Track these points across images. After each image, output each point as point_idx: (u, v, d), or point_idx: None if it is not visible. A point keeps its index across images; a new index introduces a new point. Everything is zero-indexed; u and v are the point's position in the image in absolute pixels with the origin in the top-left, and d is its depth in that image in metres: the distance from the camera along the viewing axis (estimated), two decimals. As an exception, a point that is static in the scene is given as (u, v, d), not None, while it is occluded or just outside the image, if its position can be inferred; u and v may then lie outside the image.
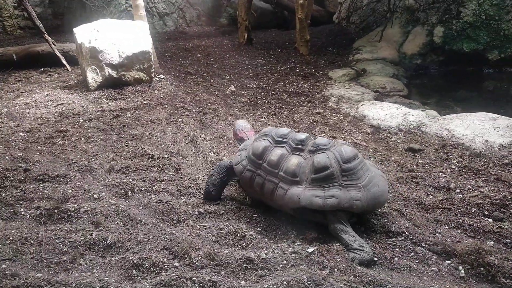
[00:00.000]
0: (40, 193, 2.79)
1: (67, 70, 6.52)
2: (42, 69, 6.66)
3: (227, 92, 5.32)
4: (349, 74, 6.38)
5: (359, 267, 1.96)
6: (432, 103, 5.58)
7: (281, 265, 2.02)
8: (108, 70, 5.06)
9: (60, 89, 5.39)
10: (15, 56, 6.65)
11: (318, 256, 2.05)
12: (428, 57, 7.67)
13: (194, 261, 2.06)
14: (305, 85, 5.66)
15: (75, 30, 5.32)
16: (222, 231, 2.35)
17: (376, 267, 2.03)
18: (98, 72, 5.05)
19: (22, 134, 3.92)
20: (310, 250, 2.08)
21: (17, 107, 4.76)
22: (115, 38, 5.08)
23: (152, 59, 5.27)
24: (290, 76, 6.15)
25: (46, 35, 6.48)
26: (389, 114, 3.88)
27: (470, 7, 7.37)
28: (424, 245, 2.14)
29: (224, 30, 10.66)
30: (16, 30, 11.48)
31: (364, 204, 2.17)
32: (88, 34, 5.11)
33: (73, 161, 3.28)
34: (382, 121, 3.83)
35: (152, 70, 5.30)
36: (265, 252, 2.11)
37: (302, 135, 2.44)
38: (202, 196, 2.74)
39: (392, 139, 3.58)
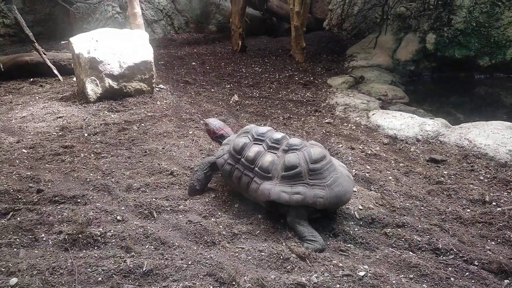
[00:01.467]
0: (59, 216, 2.63)
1: (59, 80, 6.29)
2: (31, 79, 6.40)
3: (231, 102, 5.23)
4: (348, 81, 6.38)
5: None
6: (434, 110, 5.63)
7: (334, 289, 1.94)
8: (108, 81, 4.88)
9: (56, 101, 5.17)
10: (1, 66, 6.37)
11: (371, 279, 1.98)
12: (421, 64, 7.78)
13: (244, 288, 1.96)
14: (308, 94, 5.62)
15: (71, 39, 5.13)
16: (263, 254, 2.25)
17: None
18: (98, 83, 4.87)
19: (25, 151, 3.72)
20: (361, 273, 2.01)
21: (13, 121, 4.53)
22: (115, 48, 4.92)
23: (154, 69, 5.12)
24: (290, 85, 6.10)
25: (36, 44, 6.25)
26: (405, 124, 3.86)
27: (460, 15, 7.52)
28: (477, 264, 2.11)
29: (213, 37, 10.55)
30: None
31: (326, 202, 2.37)
32: (86, 44, 4.93)
33: (87, 179, 3.12)
34: (398, 131, 3.81)
35: (153, 81, 5.16)
36: (315, 275, 2.03)
37: (278, 135, 2.63)
38: (232, 216, 2.64)
39: (411, 150, 3.56)
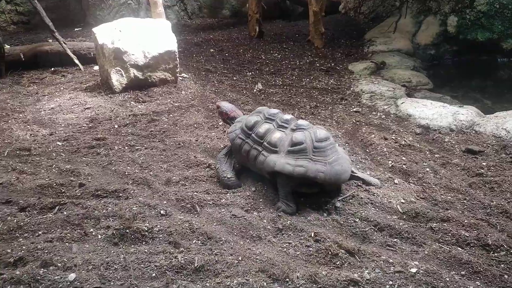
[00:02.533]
0: (105, 211, 2.68)
1: (80, 69, 6.30)
2: (52, 68, 6.41)
3: (255, 90, 5.21)
4: (370, 67, 6.30)
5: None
6: (459, 96, 5.56)
7: (387, 286, 1.97)
8: (133, 71, 4.88)
9: (81, 91, 5.20)
10: (22, 56, 6.38)
11: (424, 275, 2.00)
12: (441, 47, 7.64)
13: (298, 285, 1.99)
14: (331, 81, 5.58)
15: (94, 30, 5.12)
16: (311, 249, 2.28)
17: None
18: (123, 73, 4.88)
19: (60, 144, 3.76)
20: (413, 270, 2.03)
21: (42, 112, 4.58)
22: (139, 38, 4.90)
23: (177, 59, 5.11)
24: (312, 71, 6.05)
25: (56, 33, 6.24)
26: (437, 113, 3.83)
27: (483, -4, 7.34)
28: (530, 260, 2.12)
29: (227, 22, 10.44)
30: (10, 25, 11.05)
31: (326, 177, 2.59)
32: (110, 34, 4.91)
33: (126, 173, 3.16)
34: (430, 121, 3.79)
35: (177, 70, 5.15)
36: (366, 272, 2.06)
37: (287, 116, 2.91)
38: (274, 209, 2.67)
39: (445, 140, 3.54)
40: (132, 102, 4.71)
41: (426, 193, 2.77)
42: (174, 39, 5.09)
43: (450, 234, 2.33)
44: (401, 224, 2.45)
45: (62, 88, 5.46)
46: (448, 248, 2.21)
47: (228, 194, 2.84)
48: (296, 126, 2.79)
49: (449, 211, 2.57)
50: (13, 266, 2.25)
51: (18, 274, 2.11)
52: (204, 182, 3.01)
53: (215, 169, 3.09)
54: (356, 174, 2.90)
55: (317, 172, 2.58)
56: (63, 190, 2.95)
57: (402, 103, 4.26)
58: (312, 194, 2.74)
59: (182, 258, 2.21)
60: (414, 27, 7.92)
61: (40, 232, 2.55)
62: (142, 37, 4.90)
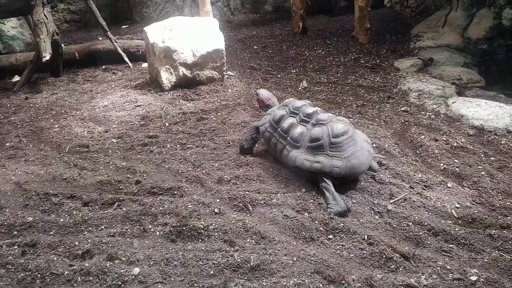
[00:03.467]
0: (161, 208, 2.80)
1: (129, 67, 6.54)
2: (103, 66, 6.71)
3: (300, 88, 5.22)
4: (417, 64, 6.14)
5: None
6: (514, 94, 5.31)
7: (446, 293, 1.96)
8: (182, 70, 5.02)
9: (132, 89, 5.40)
10: (77, 55, 6.71)
11: (485, 284, 1.97)
12: (495, 41, 7.30)
13: (354, 288, 2.02)
14: (377, 79, 5.49)
15: (146, 29, 5.30)
16: (364, 252, 2.29)
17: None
18: (172, 72, 5.03)
19: (115, 141, 3.95)
20: (473, 278, 2.01)
21: (96, 110, 4.80)
22: (188, 36, 5.03)
23: (225, 57, 5.20)
24: (357, 68, 5.97)
25: (109, 33, 6.50)
26: (493, 113, 3.69)
27: (542, -13, 6.93)
28: None
29: (269, 18, 10.45)
30: (63, 24, 11.56)
31: (342, 171, 2.74)
32: (161, 33, 5.07)
33: (179, 171, 3.28)
34: (485, 122, 3.66)
35: (224, 68, 5.25)
36: (423, 277, 2.05)
37: (310, 110, 3.00)
38: (325, 211, 2.69)
39: (502, 142, 3.42)
40: (181, 100, 4.85)
41: (482, 198, 2.70)
42: (222, 38, 5.18)
43: (511, 242, 2.27)
44: (456, 229, 2.41)
45: (113, 85, 5.70)
46: (509, 257, 2.16)
47: (279, 194, 2.88)
48: (316, 120, 2.92)
49: (509, 217, 2.49)
50: (81, 258, 2.41)
51: (87, 266, 2.27)
52: (254, 182, 3.07)
53: (243, 133, 3.50)
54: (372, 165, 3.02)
55: (333, 168, 2.75)
56: (121, 187, 3.11)
57: (453, 102, 4.13)
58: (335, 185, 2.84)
59: (238, 257, 2.29)
60: (466, 20, 7.61)
61: (102, 227, 2.71)
62: (191, 36, 5.02)
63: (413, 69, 5.97)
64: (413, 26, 8.05)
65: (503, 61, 7.22)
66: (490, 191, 2.79)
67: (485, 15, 7.44)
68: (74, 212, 2.87)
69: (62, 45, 6.36)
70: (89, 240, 2.54)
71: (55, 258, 2.40)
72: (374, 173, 3.02)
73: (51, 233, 2.70)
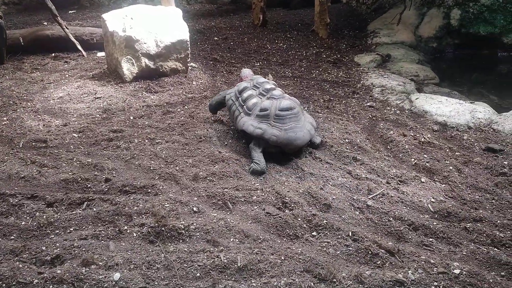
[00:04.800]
0: (136, 208, 2.66)
1: (83, 56, 6.16)
2: (53, 54, 6.26)
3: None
4: (376, 60, 6.32)
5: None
6: (465, 91, 5.63)
7: (433, 287, 2.01)
8: (145, 61, 4.80)
9: (89, 79, 5.09)
10: (22, 40, 6.20)
11: (468, 277, 2.05)
12: (444, 40, 7.68)
13: (346, 285, 2.02)
14: (340, 74, 5.58)
15: (104, 16, 4.99)
16: (350, 248, 2.31)
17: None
18: (134, 62, 4.79)
19: (76, 135, 3.69)
20: (456, 271, 2.08)
21: (51, 101, 4.47)
22: (151, 26, 4.81)
23: (189, 48, 5.03)
24: (320, 63, 6.03)
25: (58, 18, 6.08)
26: (454, 110, 3.87)
27: (487, -10, 7.38)
28: None
29: (227, 9, 10.30)
30: (0, 6, 10.68)
31: (278, 140, 3.11)
32: (121, 21, 4.80)
33: (151, 168, 3.13)
34: (448, 118, 3.83)
35: (188, 60, 5.08)
36: (410, 272, 2.10)
37: (268, 86, 3.40)
38: (306, 208, 2.68)
39: (464, 138, 3.59)
40: (144, 93, 4.64)
41: (454, 192, 2.82)
42: (186, 28, 5.01)
43: (485, 235, 2.38)
44: (435, 223, 2.50)
45: (67, 75, 5.34)
46: (485, 249, 2.27)
47: (258, 191, 2.83)
48: (270, 95, 3.30)
49: (480, 211, 2.62)
50: (51, 264, 2.23)
51: (59, 273, 2.09)
52: (232, 178, 3.00)
53: (216, 95, 3.92)
54: (315, 142, 3.37)
55: (271, 135, 3.10)
56: (89, 185, 2.91)
57: (417, 98, 4.29)
58: (272, 152, 3.23)
59: (224, 257, 2.21)
60: (417, 19, 7.94)
61: (71, 229, 2.53)
62: (154, 25, 4.81)
63: (373, 65, 6.13)
64: (369, 23, 8.27)
65: (451, 59, 7.64)
66: (459, 185, 2.92)
67: (435, 15, 7.81)
68: (37, 213, 2.65)
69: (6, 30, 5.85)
70: (58, 244, 2.35)
71: (21, 266, 2.20)
72: (314, 149, 3.36)
73: (12, 237, 2.47)
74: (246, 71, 4.02)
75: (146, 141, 3.55)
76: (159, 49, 4.78)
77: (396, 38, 7.44)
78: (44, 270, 2.16)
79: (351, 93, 4.85)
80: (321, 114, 4.17)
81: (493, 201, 2.74)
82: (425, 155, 3.34)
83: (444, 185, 2.94)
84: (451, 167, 3.15)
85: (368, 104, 4.49)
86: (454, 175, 3.03)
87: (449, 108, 3.93)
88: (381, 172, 3.08)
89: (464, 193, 2.83)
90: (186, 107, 4.27)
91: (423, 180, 2.97)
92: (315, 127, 3.34)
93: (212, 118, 3.97)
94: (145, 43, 4.73)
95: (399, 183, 2.95)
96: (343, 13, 9.00)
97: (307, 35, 7.52)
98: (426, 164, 3.20)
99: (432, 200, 2.72)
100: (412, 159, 3.29)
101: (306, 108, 4.31)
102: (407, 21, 7.84)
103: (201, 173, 3.04)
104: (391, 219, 2.54)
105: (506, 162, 3.16)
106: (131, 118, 4.03)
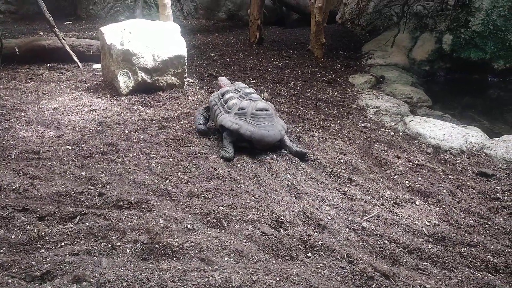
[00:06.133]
0: (129, 223, 2.62)
1: (78, 67, 6.16)
2: (48, 64, 6.25)
3: (262, 99, 5.20)
4: (370, 81, 6.41)
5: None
6: (457, 115, 5.72)
7: (428, 311, 2.01)
8: (141, 75, 4.80)
9: (84, 91, 5.07)
10: (17, 50, 6.19)
11: (463, 301, 2.05)
12: (436, 64, 7.85)
13: (341, 309, 2.00)
14: (335, 93, 5.64)
15: (102, 29, 5.01)
16: (346, 270, 2.29)
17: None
18: (131, 76, 4.79)
19: (70, 148, 3.66)
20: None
21: (45, 112, 4.44)
22: (149, 40, 4.83)
23: (186, 64, 5.05)
24: (315, 82, 6.10)
25: (56, 29, 6.09)
26: (448, 134, 3.92)
27: (478, 17, 7.58)
28: (558, 288, 2.20)
29: (223, 25, 10.42)
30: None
31: (251, 135, 3.47)
32: (119, 35, 4.82)
33: (145, 183, 3.10)
34: (441, 141, 3.88)
35: (185, 75, 5.10)
36: (405, 296, 2.09)
37: (248, 90, 3.83)
38: (302, 228, 2.67)
39: (457, 161, 3.63)
40: (140, 106, 4.63)
41: (448, 216, 2.84)
42: (184, 44, 5.04)
43: (479, 260, 2.39)
44: (429, 247, 2.50)
45: (62, 86, 5.32)
46: (479, 274, 2.27)
47: (253, 209, 2.82)
48: (249, 97, 3.71)
49: (473, 235, 2.64)
50: (41, 280, 2.18)
51: (50, 290, 2.04)
52: (227, 196, 2.98)
53: (195, 117, 4.09)
54: (286, 144, 3.65)
55: (246, 130, 3.47)
56: (82, 199, 2.87)
57: (411, 121, 4.34)
58: (245, 147, 3.59)
59: (219, 277, 2.18)
60: (411, 42, 8.11)
61: (63, 244, 2.47)
62: (152, 40, 4.83)
63: (367, 86, 6.22)
64: (364, 44, 8.42)
65: (443, 83, 7.79)
66: (453, 209, 2.94)
67: (428, 39, 7.98)
68: (28, 227, 2.59)
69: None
70: (49, 259, 2.30)
71: (10, 281, 2.15)
72: (285, 151, 3.64)
73: (1, 251, 2.41)
74: (223, 79, 4.36)
75: (141, 155, 3.53)
76: (156, 63, 4.80)
77: (390, 60, 7.58)
78: (33, 286, 2.12)
79: (345, 113, 4.90)
80: (316, 134, 4.20)
81: (486, 226, 2.76)
82: (419, 178, 3.37)
83: (438, 208, 2.96)
84: (445, 191, 3.17)
85: (362, 124, 4.53)
86: (448, 199, 3.05)
87: (442, 132, 3.98)
88: (376, 193, 3.09)
89: (458, 217, 2.84)
90: (181, 122, 4.27)
91: (417, 203, 2.98)
92: (286, 130, 3.71)
93: (208, 134, 3.96)
94: (142, 57, 4.74)
95: (394, 205, 2.96)
96: (338, 33, 9.16)
97: (303, 54, 7.61)
98: (420, 186, 3.22)
99: (427, 223, 2.73)
100: (407, 182, 3.31)
101: (301, 127, 4.34)
102: (400, 43, 7.99)
103: (196, 189, 3.02)
104: (386, 241, 2.54)
105: (498, 187, 3.19)
106: (126, 131, 4.01)
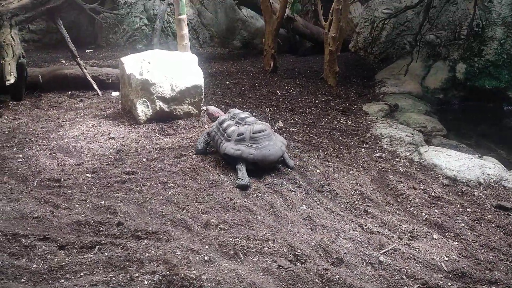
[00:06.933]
0: (147, 254, 2.65)
1: (98, 95, 6.34)
2: (69, 92, 6.45)
3: (276, 127, 5.27)
4: (384, 109, 6.44)
5: None
6: (473, 144, 5.68)
7: None
8: (159, 104, 4.92)
9: (103, 119, 5.20)
10: (41, 78, 6.40)
11: None
12: (449, 92, 7.87)
13: None
14: (349, 122, 5.67)
15: (122, 59, 5.17)
16: (364, 306, 2.28)
17: None
18: (149, 105, 4.91)
19: (89, 176, 3.74)
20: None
21: (66, 140, 4.55)
22: (167, 71, 4.97)
23: (203, 93, 5.17)
24: (329, 111, 6.15)
25: (78, 59, 6.30)
26: (464, 165, 3.91)
27: (492, 46, 7.63)
28: None
29: (238, 53, 10.65)
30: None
31: (255, 158, 3.68)
32: (138, 65, 4.97)
33: (163, 213, 3.14)
34: (458, 173, 3.86)
35: (202, 104, 5.20)
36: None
37: (243, 115, 4.03)
38: (319, 261, 2.66)
39: (475, 194, 3.61)
40: (157, 135, 4.72)
41: (467, 251, 2.81)
42: (201, 74, 5.17)
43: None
44: (449, 284, 2.47)
45: (82, 114, 5.46)
46: (501, 314, 2.23)
47: (270, 242, 2.83)
48: (245, 122, 3.90)
49: (494, 272, 2.60)
50: (60, 311, 2.21)
51: (69, 321, 2.07)
52: (243, 227, 3.00)
53: (198, 139, 4.34)
54: (284, 158, 3.91)
55: (249, 154, 3.68)
56: (101, 228, 2.92)
57: (426, 151, 4.34)
58: (251, 170, 3.76)
59: (236, 312, 2.19)
60: (424, 70, 8.16)
61: (82, 274, 2.51)
62: (170, 70, 4.97)
63: (381, 114, 6.25)
64: (377, 72, 8.50)
65: (457, 111, 7.78)
66: (473, 244, 2.91)
67: (441, 67, 8.03)
68: (49, 256, 2.65)
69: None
70: (68, 290, 2.33)
71: (30, 311, 2.18)
72: (290, 169, 3.90)
73: (23, 280, 2.47)
74: (214, 108, 4.72)
75: (159, 184, 3.58)
76: (174, 93, 4.92)
77: (403, 88, 7.62)
78: (53, 317, 2.14)
79: (360, 143, 4.92)
80: (331, 163, 4.22)
81: (507, 262, 2.71)
82: (436, 210, 3.35)
83: (456, 243, 2.93)
84: (463, 224, 3.14)
85: (377, 154, 4.54)
86: (466, 233, 3.02)
87: (458, 163, 3.97)
88: (393, 226, 3.08)
89: (478, 253, 2.81)
90: (198, 151, 4.32)
91: (435, 236, 2.96)
92: (286, 145, 3.93)
93: (223, 162, 4.01)
94: (160, 86, 4.87)
95: (411, 238, 2.94)
96: (351, 61, 9.26)
97: (316, 82, 7.71)
98: (438, 219, 3.20)
99: (446, 258, 2.70)
100: (423, 214, 3.29)
101: (316, 157, 4.37)
102: (413, 72, 8.04)
103: (213, 220, 3.05)
104: (404, 276, 2.52)
105: (518, 221, 3.15)
106: (144, 160, 4.09)
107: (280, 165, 3.92)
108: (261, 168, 3.77)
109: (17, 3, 5.60)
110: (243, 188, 3.51)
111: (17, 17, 5.61)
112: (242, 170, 3.67)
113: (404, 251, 2.76)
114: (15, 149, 4.26)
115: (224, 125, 3.98)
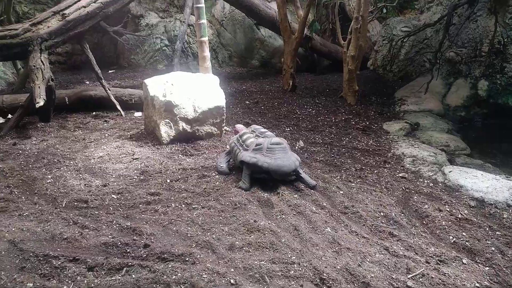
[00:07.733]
0: (174, 277, 2.67)
1: (121, 115, 6.49)
2: (93, 113, 6.63)
3: (297, 147, 5.29)
4: (405, 128, 6.40)
5: None
6: (499, 164, 5.58)
7: None
8: (182, 125, 5.01)
9: (127, 139, 5.31)
10: (67, 100, 6.61)
11: None
12: (472, 110, 7.77)
13: None
14: (370, 141, 5.65)
15: (146, 81, 5.31)
16: (393, 334, 2.24)
17: None
18: (172, 126, 5.01)
19: (115, 197, 3.81)
20: None
21: (91, 160, 4.66)
22: (190, 92, 5.07)
23: (225, 114, 5.24)
24: (349, 130, 6.15)
25: (103, 80, 6.48)
26: (491, 186, 3.84)
27: (514, 63, 7.53)
28: None
29: (257, 72, 10.79)
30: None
31: (269, 166, 3.83)
32: (162, 87, 5.09)
33: (188, 235, 3.17)
34: (485, 194, 3.79)
35: (223, 125, 5.27)
36: None
37: (263, 130, 4.32)
38: (343, 285, 2.64)
39: (504, 216, 3.53)
40: (180, 155, 4.79)
41: (499, 277, 2.74)
42: (223, 95, 5.26)
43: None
44: (481, 311, 2.41)
45: (107, 134, 5.59)
46: None
47: (295, 265, 2.82)
48: (264, 135, 4.19)
49: (528, 299, 2.53)
50: (90, 334, 2.23)
51: None
52: (268, 250, 3.00)
53: (217, 159, 4.55)
54: (301, 176, 4.02)
55: (264, 162, 3.85)
56: (128, 250, 2.96)
57: (450, 171, 4.28)
58: (263, 178, 3.99)
59: (264, 337, 2.18)
60: (444, 88, 8.11)
61: (111, 296, 2.54)
62: (193, 92, 5.07)
63: (402, 133, 6.21)
64: (397, 90, 8.47)
65: (480, 129, 7.66)
66: (504, 269, 2.84)
67: (462, 85, 7.96)
68: (79, 278, 2.69)
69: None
70: (98, 313, 2.37)
71: (61, 334, 2.21)
72: (311, 189, 3.97)
73: (54, 302, 2.51)
74: (240, 126, 4.83)
75: (183, 205, 3.63)
76: (196, 114, 5.01)
77: (424, 106, 7.57)
78: None
79: (382, 163, 4.89)
80: (354, 184, 4.20)
81: (540, 288, 2.64)
82: (463, 233, 3.29)
83: (487, 268, 2.86)
84: (493, 248, 3.08)
85: (400, 175, 4.50)
86: (497, 257, 2.95)
87: (485, 184, 3.90)
88: (419, 249, 3.03)
89: (510, 278, 2.74)
90: (220, 171, 4.37)
91: (464, 261, 2.90)
92: (299, 161, 4.08)
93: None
94: (183, 108, 4.97)
95: (439, 262, 2.89)
96: (370, 79, 9.28)
97: (336, 100, 7.73)
98: (466, 243, 3.14)
99: (477, 284, 2.64)
100: (451, 237, 3.24)
101: (338, 177, 4.36)
102: (434, 89, 8.00)
103: (237, 242, 3.06)
104: (434, 303, 2.47)
105: (550, 245, 3.07)
106: (168, 181, 4.15)
107: (302, 186, 3.92)
108: (274, 178, 3.91)
109: (47, 28, 5.83)
110: (243, 189, 3.84)
111: (46, 42, 5.82)
112: (248, 175, 3.94)
113: (433, 276, 2.71)
114: (44, 169, 4.38)
115: (244, 137, 4.22)
